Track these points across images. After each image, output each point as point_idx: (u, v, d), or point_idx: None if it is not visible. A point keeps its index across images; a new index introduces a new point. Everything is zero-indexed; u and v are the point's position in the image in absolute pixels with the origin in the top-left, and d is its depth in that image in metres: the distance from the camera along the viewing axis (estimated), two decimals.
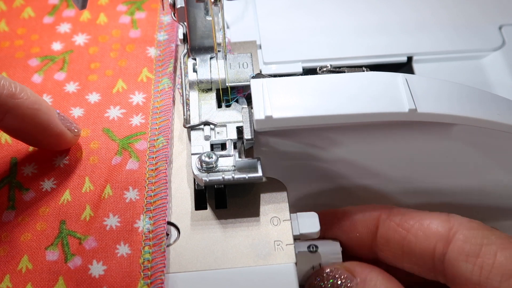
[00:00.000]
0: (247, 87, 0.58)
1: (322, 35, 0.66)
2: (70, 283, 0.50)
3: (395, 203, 0.61)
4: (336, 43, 0.65)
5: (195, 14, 0.59)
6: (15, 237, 0.53)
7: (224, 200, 0.54)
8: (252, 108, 0.55)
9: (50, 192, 0.55)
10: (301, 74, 0.62)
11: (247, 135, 0.55)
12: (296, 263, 0.50)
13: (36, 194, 0.55)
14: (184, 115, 0.58)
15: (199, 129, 0.56)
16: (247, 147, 0.56)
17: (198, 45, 0.61)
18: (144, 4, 0.69)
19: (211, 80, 0.59)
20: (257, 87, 0.55)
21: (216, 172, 0.53)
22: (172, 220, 0.53)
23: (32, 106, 0.53)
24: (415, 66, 0.64)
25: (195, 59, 0.60)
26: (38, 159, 0.57)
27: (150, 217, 0.52)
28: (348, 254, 0.55)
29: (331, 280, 0.52)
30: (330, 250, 0.53)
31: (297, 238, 0.52)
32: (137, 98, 0.60)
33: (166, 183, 0.54)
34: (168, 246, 0.51)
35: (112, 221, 0.52)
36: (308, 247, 0.53)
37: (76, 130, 0.56)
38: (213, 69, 0.60)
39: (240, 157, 0.55)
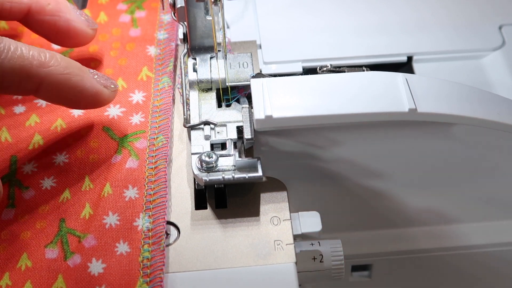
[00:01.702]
0: (247, 87, 0.58)
1: (322, 35, 0.66)
2: (70, 281, 0.50)
3: (395, 202, 0.61)
4: (336, 43, 0.65)
5: (195, 14, 0.59)
6: (14, 235, 0.53)
7: (224, 199, 0.54)
8: (252, 108, 0.55)
9: (49, 190, 0.55)
10: (301, 74, 0.62)
11: (247, 134, 0.55)
12: (296, 263, 0.50)
13: (36, 192, 0.55)
14: (184, 115, 0.58)
15: (199, 128, 0.56)
16: (247, 146, 0.56)
17: (198, 45, 0.61)
18: (144, 3, 0.69)
19: (211, 80, 0.59)
20: (257, 87, 0.55)
21: (216, 171, 0.53)
22: (172, 220, 0.53)
23: (63, 72, 0.52)
24: (415, 66, 0.64)
25: (195, 59, 0.60)
26: (38, 157, 0.57)
27: (149, 216, 0.52)
28: None
29: None
30: (332, 248, 0.53)
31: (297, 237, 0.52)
32: (137, 96, 0.60)
33: (166, 181, 0.54)
34: (168, 245, 0.51)
35: (111, 220, 0.52)
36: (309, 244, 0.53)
37: (112, 86, 0.56)
38: (213, 68, 0.60)
39: (240, 156, 0.55)
